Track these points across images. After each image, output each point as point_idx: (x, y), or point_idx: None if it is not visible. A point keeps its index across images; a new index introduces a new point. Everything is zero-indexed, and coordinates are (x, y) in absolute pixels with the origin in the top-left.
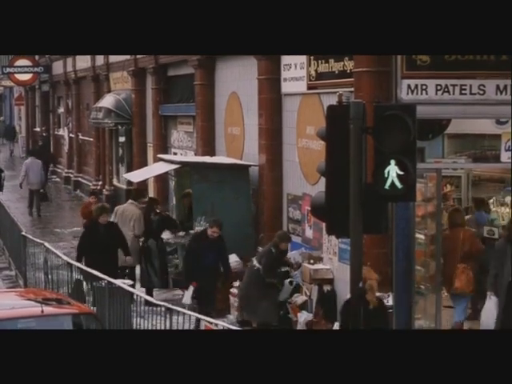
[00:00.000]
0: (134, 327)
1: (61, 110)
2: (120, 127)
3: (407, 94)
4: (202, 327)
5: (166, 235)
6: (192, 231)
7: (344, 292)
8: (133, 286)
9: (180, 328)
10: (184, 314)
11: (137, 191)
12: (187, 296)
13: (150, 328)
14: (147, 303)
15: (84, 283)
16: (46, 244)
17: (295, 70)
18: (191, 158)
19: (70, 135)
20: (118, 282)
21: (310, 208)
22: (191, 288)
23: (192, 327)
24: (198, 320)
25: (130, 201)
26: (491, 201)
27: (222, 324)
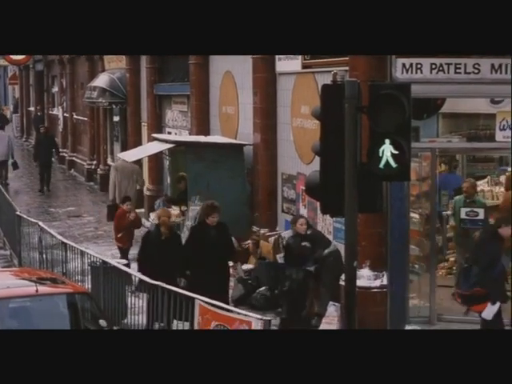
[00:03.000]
0: (129, 307)
1: (55, 89)
2: (114, 106)
3: (402, 73)
4: (197, 307)
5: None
6: (188, 212)
7: None
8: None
9: (177, 308)
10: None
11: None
12: (491, 311)
13: (144, 306)
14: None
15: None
16: (41, 223)
17: None
18: (186, 137)
19: (65, 115)
20: (113, 261)
21: (304, 187)
22: (498, 304)
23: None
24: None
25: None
26: (486, 180)
27: (218, 304)
